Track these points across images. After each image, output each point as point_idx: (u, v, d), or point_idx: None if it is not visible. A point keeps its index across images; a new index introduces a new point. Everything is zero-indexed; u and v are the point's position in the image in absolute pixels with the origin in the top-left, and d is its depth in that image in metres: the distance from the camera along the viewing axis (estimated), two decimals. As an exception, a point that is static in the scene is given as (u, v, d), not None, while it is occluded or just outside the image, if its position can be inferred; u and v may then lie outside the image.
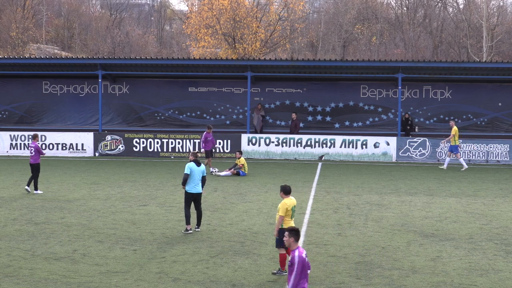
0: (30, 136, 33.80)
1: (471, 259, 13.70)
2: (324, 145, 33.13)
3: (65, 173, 27.01)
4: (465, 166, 29.69)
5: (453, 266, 13.16)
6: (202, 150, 28.04)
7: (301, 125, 35.33)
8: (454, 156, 30.20)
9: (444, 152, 32.29)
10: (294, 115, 34.47)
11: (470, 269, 13.00)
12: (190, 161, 16.16)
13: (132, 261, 13.28)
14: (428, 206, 19.86)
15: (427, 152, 32.55)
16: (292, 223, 12.54)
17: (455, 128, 29.92)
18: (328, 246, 14.63)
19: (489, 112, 35.31)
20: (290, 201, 12.76)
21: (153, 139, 33.61)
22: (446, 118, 35.39)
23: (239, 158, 26.89)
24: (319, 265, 13.13)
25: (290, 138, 33.23)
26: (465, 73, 33.81)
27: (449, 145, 30.53)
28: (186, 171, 15.87)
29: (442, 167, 30.05)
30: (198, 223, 16.20)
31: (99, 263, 13.11)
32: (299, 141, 33.25)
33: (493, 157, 32.36)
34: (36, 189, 21.61)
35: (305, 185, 24.00)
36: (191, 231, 15.88)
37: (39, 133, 34.12)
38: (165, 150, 33.55)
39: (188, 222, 15.95)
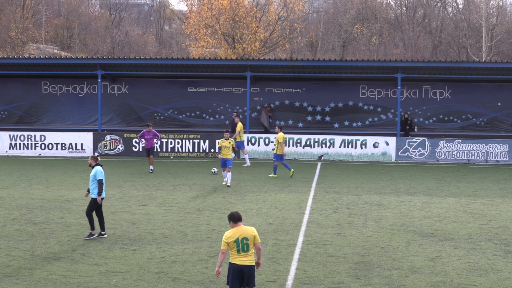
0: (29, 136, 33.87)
1: (470, 259, 13.71)
2: (324, 145, 33.14)
3: (64, 173, 27.01)
4: (248, 163, 29.94)
5: (452, 266, 13.16)
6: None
7: (300, 124, 35.39)
8: (244, 152, 30.50)
9: (444, 152, 32.36)
10: (235, 115, 34.48)
11: (470, 269, 13.00)
12: (94, 166, 15.42)
13: (131, 261, 13.28)
14: (428, 206, 19.86)
15: (426, 152, 32.55)
16: (240, 258, 9.90)
17: (240, 124, 30.17)
18: (328, 246, 14.63)
19: (488, 112, 35.32)
20: (234, 231, 9.97)
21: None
22: (446, 118, 35.43)
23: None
24: (318, 265, 13.13)
25: (289, 138, 33.23)
26: (464, 73, 33.82)
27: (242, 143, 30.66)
28: (102, 176, 15.28)
29: (245, 165, 30.02)
30: (103, 228, 15.48)
31: (99, 263, 13.11)
32: (299, 141, 33.26)
33: (492, 157, 32.37)
34: None
35: (304, 185, 24.01)
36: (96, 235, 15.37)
37: (39, 133, 34.21)
38: (164, 150, 33.54)
39: (94, 227, 15.40)
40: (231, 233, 9.93)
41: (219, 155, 23.91)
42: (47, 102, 37.03)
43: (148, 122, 31.28)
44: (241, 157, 31.59)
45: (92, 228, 15.39)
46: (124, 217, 17.73)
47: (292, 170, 26.45)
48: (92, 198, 15.41)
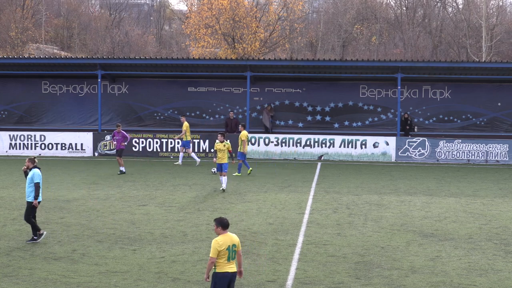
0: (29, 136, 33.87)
1: (470, 259, 13.70)
2: (324, 145, 33.14)
3: (64, 173, 27.00)
4: (198, 160, 30.11)
5: (452, 266, 13.16)
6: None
7: (300, 124, 35.38)
8: (186, 151, 30.60)
9: (444, 152, 32.38)
10: (231, 114, 34.59)
11: (470, 269, 13.00)
12: (31, 168, 14.77)
13: (131, 261, 13.28)
14: (428, 206, 19.86)
15: (426, 152, 32.55)
16: (230, 266, 9.58)
17: (186, 124, 30.32)
18: (328, 246, 14.63)
19: (488, 112, 35.31)
20: (225, 238, 9.61)
21: (152, 139, 33.62)
22: (446, 118, 35.42)
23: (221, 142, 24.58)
24: (318, 265, 13.12)
25: (289, 138, 33.24)
26: (464, 73, 33.82)
27: (181, 141, 30.80)
28: (39, 180, 14.65)
29: (177, 163, 30.19)
30: (35, 233, 14.95)
31: (99, 263, 13.11)
32: (299, 141, 33.26)
33: (492, 157, 32.37)
34: None
35: (304, 185, 24.01)
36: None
37: (39, 133, 34.20)
38: (164, 150, 33.56)
39: (39, 228, 15.04)
40: (222, 241, 9.54)
41: (214, 159, 22.80)
42: (47, 102, 37.02)
43: (117, 122, 31.24)
44: (188, 156, 31.11)
45: (38, 229, 14.90)
46: (124, 217, 17.73)
47: (251, 168, 26.87)
48: (28, 202, 14.87)
